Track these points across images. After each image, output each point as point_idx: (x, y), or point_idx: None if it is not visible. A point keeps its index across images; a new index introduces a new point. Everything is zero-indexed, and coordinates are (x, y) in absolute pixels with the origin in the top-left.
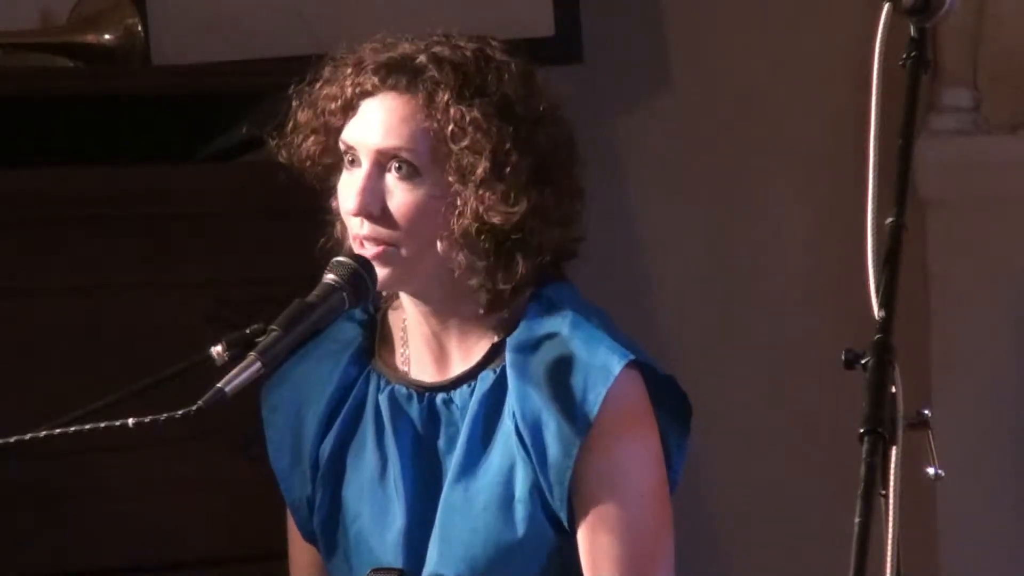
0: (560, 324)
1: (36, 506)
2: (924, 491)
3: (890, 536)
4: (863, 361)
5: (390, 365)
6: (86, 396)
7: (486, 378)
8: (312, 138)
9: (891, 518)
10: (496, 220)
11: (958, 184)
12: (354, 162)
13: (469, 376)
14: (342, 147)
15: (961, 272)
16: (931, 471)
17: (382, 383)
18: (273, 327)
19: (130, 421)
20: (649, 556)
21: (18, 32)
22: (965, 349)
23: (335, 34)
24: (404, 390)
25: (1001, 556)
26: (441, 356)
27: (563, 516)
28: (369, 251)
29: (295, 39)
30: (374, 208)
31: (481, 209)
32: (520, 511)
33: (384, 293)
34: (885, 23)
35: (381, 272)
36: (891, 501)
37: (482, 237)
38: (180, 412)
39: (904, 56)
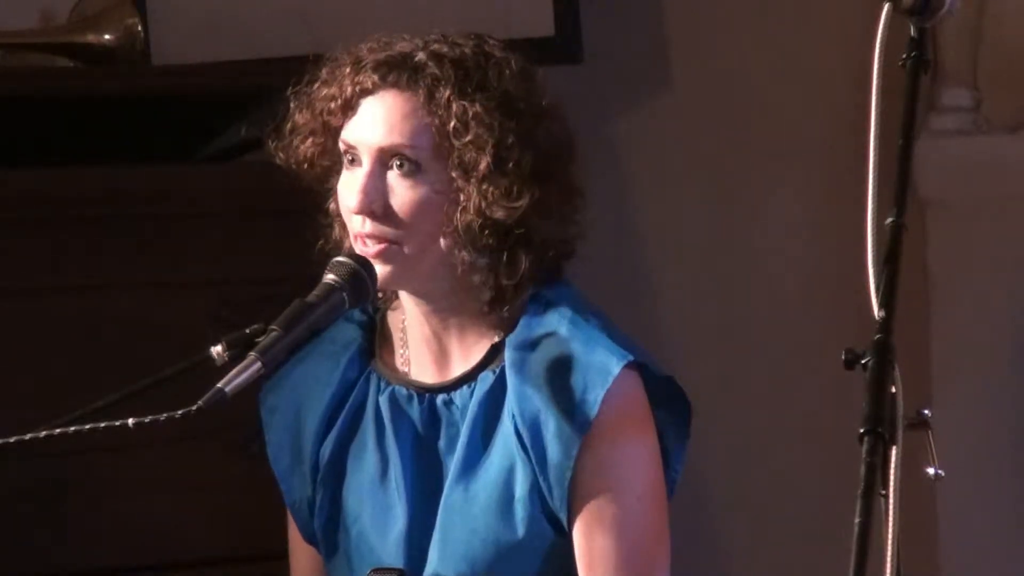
0: (559, 324)
1: (36, 506)
2: (924, 491)
3: (890, 536)
4: (863, 361)
5: (390, 366)
6: (86, 396)
7: (486, 379)
8: (310, 140)
9: (891, 518)
10: (499, 215)
11: (958, 184)
12: (354, 161)
13: (469, 377)
14: (342, 147)
15: (961, 272)
16: (931, 471)
17: (382, 384)
18: (273, 327)
19: (130, 421)
20: (645, 557)
21: (18, 32)
22: (965, 349)
23: (335, 34)
24: (404, 391)
25: (1001, 556)
26: (441, 357)
27: (563, 516)
28: (371, 249)
29: (295, 39)
30: (377, 206)
31: (484, 204)
32: (520, 511)
33: (382, 294)
34: (885, 23)
35: (383, 270)
36: (891, 501)
37: (485, 232)
38: (180, 412)
39: (904, 56)
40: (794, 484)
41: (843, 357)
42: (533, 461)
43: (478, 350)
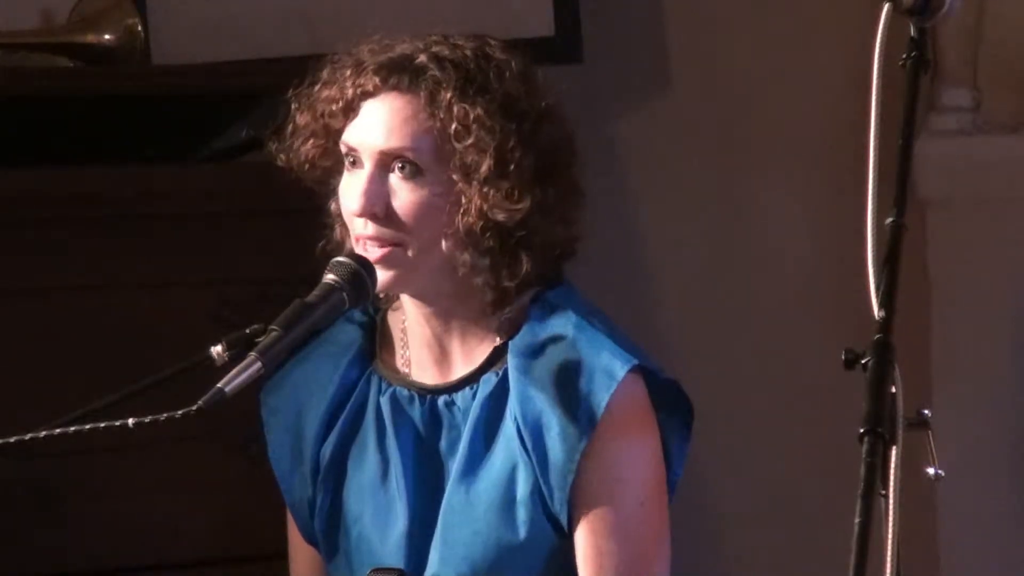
0: (563, 327)
1: (36, 506)
2: (924, 491)
3: (890, 536)
4: (863, 361)
5: (391, 367)
6: (86, 396)
7: (488, 381)
8: (311, 141)
9: (891, 518)
10: (500, 217)
11: (958, 184)
12: (356, 163)
13: (471, 379)
14: (343, 149)
15: (961, 272)
16: (931, 471)
17: (383, 385)
18: (273, 327)
19: (130, 421)
20: (646, 559)
21: (18, 32)
22: (965, 349)
23: (335, 34)
24: (406, 392)
25: (1001, 556)
26: (442, 358)
27: (563, 519)
28: (373, 253)
29: (295, 39)
30: (378, 208)
31: (485, 207)
32: (521, 513)
33: (383, 295)
34: (885, 23)
35: (386, 274)
36: (891, 501)
37: (487, 234)
38: (180, 412)
39: (904, 56)
40: (794, 484)
41: (843, 357)
42: (535, 463)
43: (480, 352)
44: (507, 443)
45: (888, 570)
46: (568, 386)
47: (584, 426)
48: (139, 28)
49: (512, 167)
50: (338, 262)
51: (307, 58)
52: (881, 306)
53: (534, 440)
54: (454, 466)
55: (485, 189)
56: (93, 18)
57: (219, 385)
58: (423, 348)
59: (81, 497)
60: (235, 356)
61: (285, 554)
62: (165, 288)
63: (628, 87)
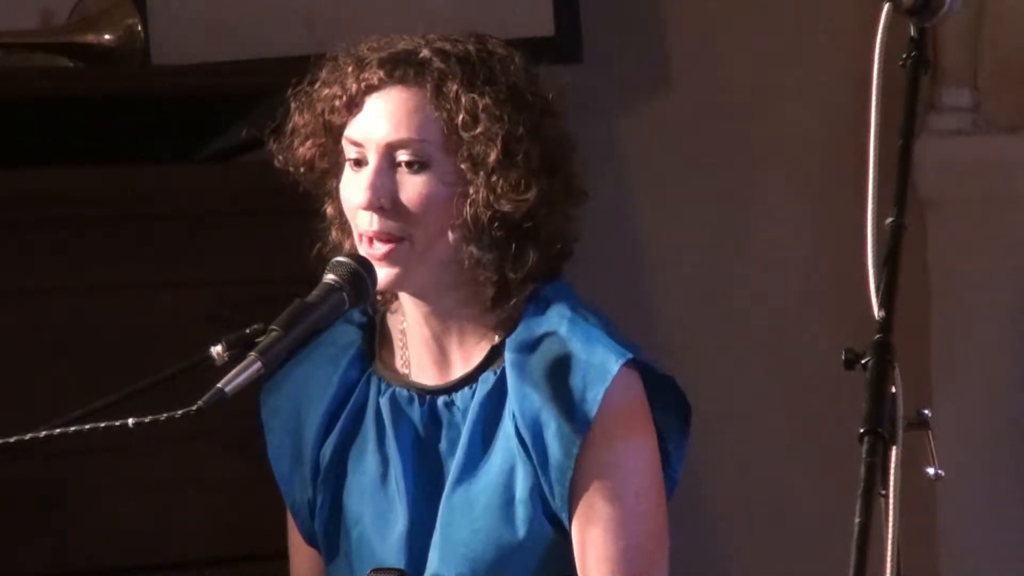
0: (558, 324)
1: (36, 506)
2: (924, 491)
3: (890, 536)
4: (863, 361)
5: (390, 368)
6: (86, 396)
7: (487, 380)
8: (310, 141)
9: (891, 518)
10: (507, 208)
11: (958, 184)
12: (360, 162)
13: (470, 378)
14: (346, 144)
15: (961, 272)
16: (931, 471)
17: (383, 386)
18: (273, 327)
19: (130, 421)
20: (644, 556)
21: (18, 32)
22: (965, 349)
23: (335, 34)
24: (405, 393)
25: (1001, 556)
26: (442, 358)
27: (564, 516)
28: (378, 251)
29: (295, 39)
30: (386, 201)
31: (492, 197)
32: (521, 512)
33: (381, 296)
34: (885, 23)
35: (390, 271)
36: (891, 501)
37: (494, 225)
38: (180, 412)
39: (904, 56)
40: (794, 484)
41: (843, 357)
42: (534, 461)
43: (479, 351)
44: (506, 442)
45: (888, 570)
46: (564, 382)
47: (580, 422)
48: (139, 28)
49: (520, 157)
50: (338, 262)
51: (307, 58)
52: (881, 306)
53: (532, 438)
54: (454, 465)
55: (493, 179)
56: (93, 18)
57: (219, 385)
58: (422, 348)
59: (81, 497)
60: (235, 356)
61: (285, 554)
62: (165, 288)
63: (628, 87)
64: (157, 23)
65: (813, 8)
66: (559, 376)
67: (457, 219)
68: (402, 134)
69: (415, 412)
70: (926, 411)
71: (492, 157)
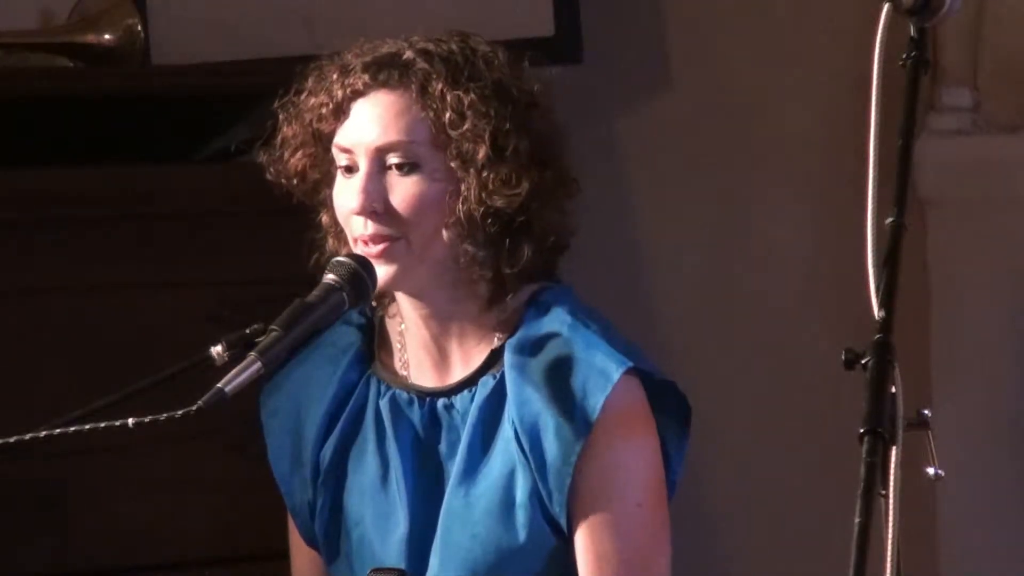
0: (559, 329)
1: (36, 506)
2: (924, 491)
3: (890, 536)
4: (863, 361)
5: (390, 369)
6: (86, 396)
7: (486, 383)
8: (300, 152)
9: (891, 518)
10: (500, 203)
11: (958, 184)
12: (350, 168)
13: (470, 381)
14: (336, 151)
15: (961, 272)
16: (931, 471)
17: (382, 388)
18: (273, 327)
19: (130, 421)
20: (646, 561)
21: (18, 32)
22: (965, 349)
23: (335, 34)
24: (405, 395)
25: (1001, 556)
26: (441, 361)
27: (562, 521)
28: (374, 249)
29: (295, 39)
30: (378, 205)
31: (484, 194)
32: (521, 516)
33: (377, 301)
34: (885, 23)
35: (387, 270)
36: (891, 501)
37: (487, 221)
38: (180, 412)
39: (904, 56)
40: (794, 484)
41: (843, 357)
42: (532, 465)
43: (478, 354)
44: (505, 446)
45: (888, 570)
46: (564, 388)
47: (580, 428)
48: (139, 28)
49: (509, 151)
50: (338, 262)
51: (307, 58)
52: (881, 306)
53: (531, 443)
54: (454, 469)
55: (484, 175)
56: (93, 18)
57: (219, 385)
58: (421, 351)
59: (81, 497)
60: (235, 356)
61: (285, 554)
62: (165, 288)
63: (628, 87)
64: (157, 23)
65: (813, 8)
66: (559, 381)
67: (450, 217)
68: (391, 137)
69: (415, 414)
70: (926, 411)
71: (481, 153)
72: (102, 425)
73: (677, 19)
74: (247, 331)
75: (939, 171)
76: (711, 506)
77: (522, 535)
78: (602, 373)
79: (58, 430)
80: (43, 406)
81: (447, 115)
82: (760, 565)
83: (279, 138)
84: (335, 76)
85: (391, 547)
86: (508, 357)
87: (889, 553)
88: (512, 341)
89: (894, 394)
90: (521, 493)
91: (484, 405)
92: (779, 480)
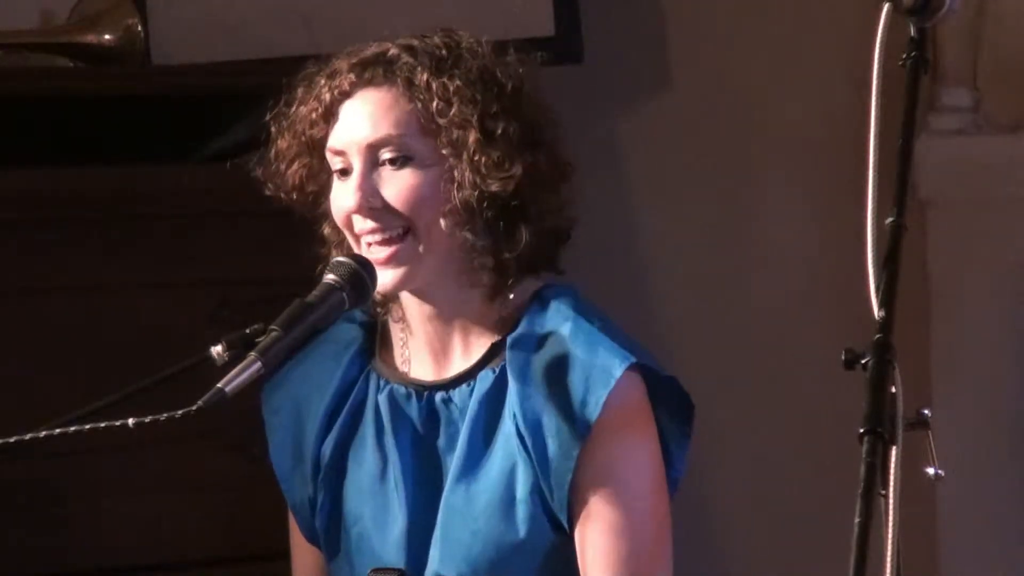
0: (561, 325)
1: (36, 506)
2: (924, 491)
3: (890, 536)
4: (863, 361)
5: (390, 365)
6: (86, 396)
7: (485, 378)
8: (296, 162)
9: (891, 518)
10: (495, 188)
11: (958, 184)
12: (345, 171)
13: (468, 375)
14: (330, 155)
15: (961, 272)
16: (931, 471)
17: (381, 383)
18: (273, 327)
19: (130, 421)
20: (647, 558)
21: (18, 32)
22: (965, 349)
23: (335, 34)
24: (403, 389)
25: (1001, 556)
26: (442, 355)
27: (563, 517)
28: (382, 253)
29: (295, 40)
30: (375, 201)
31: (478, 179)
32: (521, 512)
33: (381, 306)
34: (885, 23)
35: (396, 272)
36: (891, 501)
37: (483, 206)
38: (180, 412)
39: (904, 56)
40: (794, 484)
41: (843, 357)
42: (534, 461)
43: (478, 348)
44: (506, 441)
45: (888, 570)
46: (566, 384)
47: (582, 425)
48: (139, 28)
49: (499, 134)
50: (338, 262)
51: (307, 58)
52: (881, 306)
53: (533, 438)
54: (453, 464)
55: (476, 159)
56: (93, 18)
57: (219, 385)
58: (424, 347)
59: (81, 497)
60: (235, 356)
61: (285, 554)
62: (165, 288)
63: (628, 87)
64: (157, 23)
65: (813, 8)
66: (561, 378)
67: (446, 205)
68: (381, 132)
69: (413, 409)
70: (926, 411)
71: (471, 138)
72: (102, 425)
73: (677, 19)
74: (247, 331)
75: (939, 171)
76: (711, 506)
77: (523, 531)
78: (605, 369)
79: (58, 430)
80: (43, 406)
81: (434, 104)
82: (760, 564)
83: (273, 151)
84: (323, 81)
85: (390, 544)
86: (510, 352)
87: (889, 553)
88: (514, 336)
89: (894, 394)
90: (522, 489)
91: (484, 400)
92: (779, 479)
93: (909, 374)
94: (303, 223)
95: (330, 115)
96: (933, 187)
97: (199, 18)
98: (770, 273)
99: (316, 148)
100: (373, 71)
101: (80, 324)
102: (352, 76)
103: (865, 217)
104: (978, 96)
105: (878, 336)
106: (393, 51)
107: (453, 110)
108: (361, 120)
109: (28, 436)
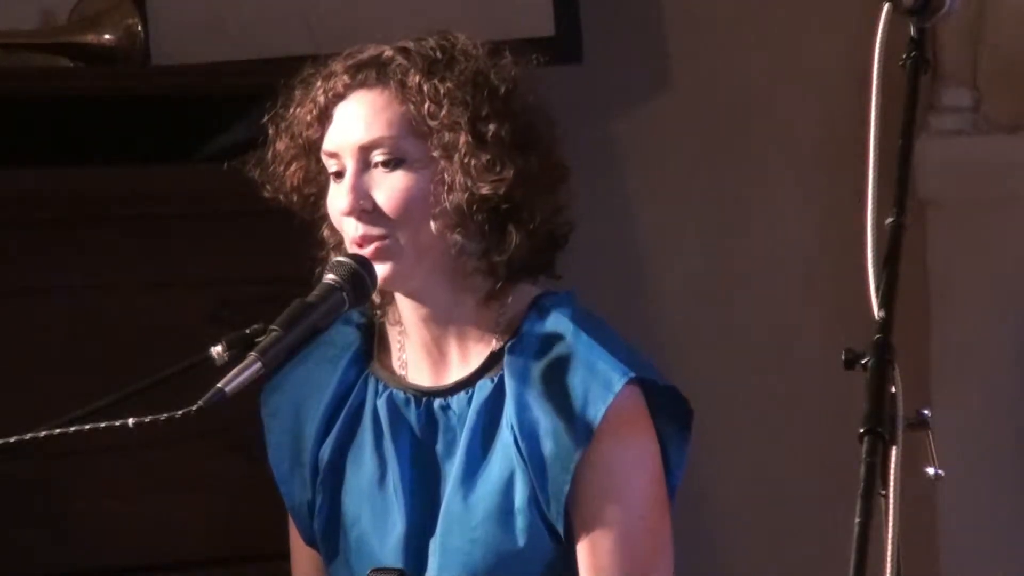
0: (560, 334)
1: (36, 506)
2: (924, 491)
3: (890, 536)
4: (863, 361)
5: (388, 369)
6: (86, 396)
7: (484, 387)
8: (294, 165)
9: (891, 518)
10: (485, 191)
11: (958, 184)
12: (340, 173)
13: (467, 383)
14: (325, 158)
15: (961, 272)
16: (931, 471)
17: (380, 387)
18: (273, 327)
19: (130, 421)
20: (648, 569)
21: (18, 32)
22: (965, 349)
23: (335, 34)
24: (402, 395)
25: (1001, 556)
26: (440, 360)
27: (560, 527)
28: (368, 249)
29: (295, 39)
30: (366, 203)
31: (469, 182)
32: (520, 521)
33: (380, 310)
34: (885, 23)
35: (383, 268)
36: (891, 501)
37: (474, 208)
38: (180, 412)
39: (904, 56)
40: (794, 484)
41: (843, 357)
42: (531, 471)
43: (476, 355)
44: (504, 450)
45: (888, 570)
46: (565, 396)
47: (580, 436)
48: (139, 28)
49: (490, 137)
50: (338, 262)
51: (307, 59)
52: (881, 306)
53: (530, 448)
54: (452, 471)
55: (467, 161)
56: (93, 18)
57: (219, 385)
58: (420, 350)
59: (81, 497)
60: (235, 356)
61: (285, 554)
62: (165, 288)
63: (628, 87)
64: (157, 23)
65: (813, 8)
66: (560, 389)
67: (436, 208)
68: (373, 134)
69: (412, 414)
70: (926, 411)
71: (462, 140)
72: (102, 425)
73: (677, 19)
74: (247, 331)
75: (939, 171)
76: (711, 507)
77: (521, 540)
78: (604, 382)
79: (58, 430)
80: (43, 406)
81: (426, 105)
82: (760, 565)
83: (271, 153)
84: (319, 83)
85: (389, 547)
86: (508, 361)
87: (889, 553)
88: (512, 345)
89: (894, 394)
90: (520, 498)
91: (482, 408)
92: (779, 480)
93: (909, 374)
94: (303, 223)
95: (325, 117)
96: (933, 187)
97: (199, 18)
98: (770, 273)
99: (313, 150)
100: (367, 73)
101: (80, 324)
102: (346, 78)
103: (865, 217)
104: (978, 96)
105: (878, 336)
106: (388, 53)
107: (444, 112)
108: (354, 122)
109: (28, 436)
